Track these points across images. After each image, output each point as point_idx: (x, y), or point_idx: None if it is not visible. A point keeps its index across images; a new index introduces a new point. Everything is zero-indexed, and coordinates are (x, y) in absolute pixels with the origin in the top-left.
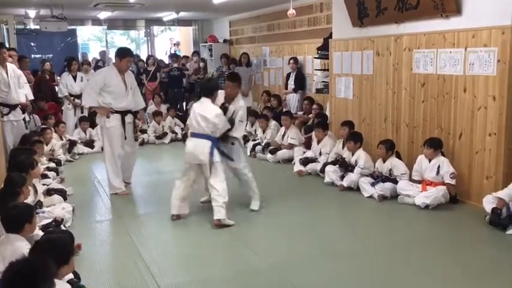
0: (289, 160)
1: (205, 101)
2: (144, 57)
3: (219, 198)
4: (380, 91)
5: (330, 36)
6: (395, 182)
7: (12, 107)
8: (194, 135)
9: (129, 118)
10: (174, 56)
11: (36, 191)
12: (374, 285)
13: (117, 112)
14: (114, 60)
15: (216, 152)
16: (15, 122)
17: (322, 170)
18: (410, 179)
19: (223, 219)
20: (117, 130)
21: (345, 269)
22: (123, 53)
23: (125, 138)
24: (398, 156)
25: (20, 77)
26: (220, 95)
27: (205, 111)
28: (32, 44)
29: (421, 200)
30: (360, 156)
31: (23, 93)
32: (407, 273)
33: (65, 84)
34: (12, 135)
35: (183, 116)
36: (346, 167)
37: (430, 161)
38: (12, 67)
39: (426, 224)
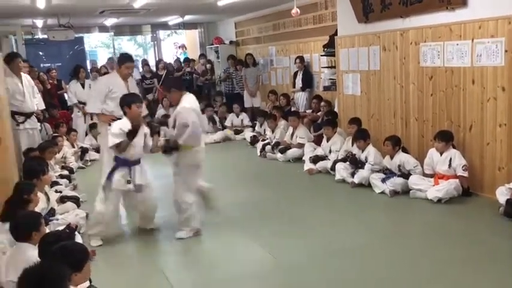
0: (299, 159)
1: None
2: (151, 61)
3: None
4: (388, 86)
5: (336, 33)
6: (407, 177)
7: (27, 116)
8: None
9: None
10: (186, 60)
11: (48, 199)
12: (386, 279)
13: (119, 119)
14: None
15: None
16: (31, 130)
17: (333, 168)
18: (423, 174)
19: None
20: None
21: (356, 264)
22: (122, 60)
23: None
24: (405, 151)
25: (33, 87)
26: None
27: None
28: (41, 53)
29: (433, 194)
30: (370, 153)
31: (36, 102)
32: (421, 267)
33: (74, 92)
34: (27, 143)
35: None
36: (356, 163)
37: (441, 154)
38: (26, 77)
39: (439, 217)
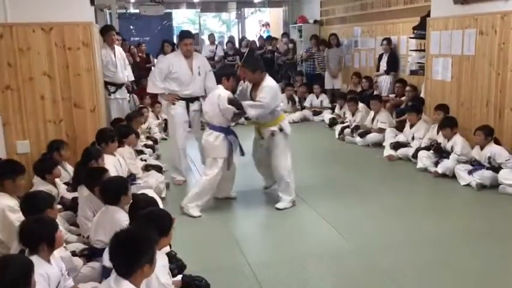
0: (379, 144)
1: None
2: (235, 39)
3: None
4: (482, 73)
5: (428, 14)
6: (496, 170)
7: (119, 86)
8: None
9: (195, 105)
10: (269, 38)
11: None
12: (456, 276)
13: (182, 99)
14: (206, 42)
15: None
16: (121, 100)
17: (415, 155)
18: None
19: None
20: (181, 118)
21: (428, 256)
22: (180, 36)
23: (189, 126)
24: (497, 143)
25: (125, 59)
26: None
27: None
28: (132, 27)
29: None
30: (457, 142)
31: (127, 74)
32: (497, 269)
33: None
34: (117, 112)
35: None
36: (440, 152)
37: None
38: (119, 49)
39: None
